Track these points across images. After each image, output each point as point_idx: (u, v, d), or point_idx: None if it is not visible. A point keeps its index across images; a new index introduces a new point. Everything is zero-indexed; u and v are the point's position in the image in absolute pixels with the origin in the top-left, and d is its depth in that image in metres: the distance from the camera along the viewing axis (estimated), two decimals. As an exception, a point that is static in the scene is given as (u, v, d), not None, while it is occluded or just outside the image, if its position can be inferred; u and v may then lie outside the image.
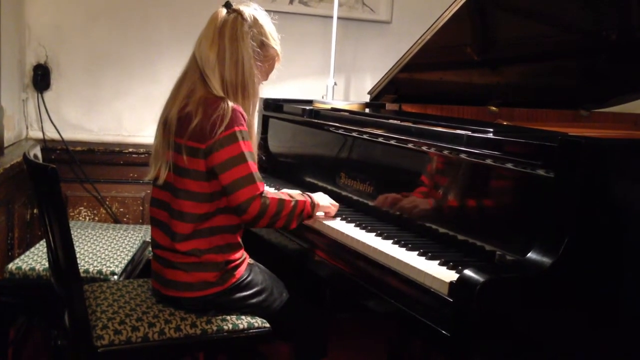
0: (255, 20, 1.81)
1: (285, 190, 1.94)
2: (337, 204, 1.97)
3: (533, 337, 1.35)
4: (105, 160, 3.09)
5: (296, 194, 1.89)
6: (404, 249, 1.64)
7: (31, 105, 3.03)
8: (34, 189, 1.88)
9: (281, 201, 1.78)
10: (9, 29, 2.72)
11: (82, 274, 2.10)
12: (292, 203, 1.81)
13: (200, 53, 1.79)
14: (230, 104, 1.73)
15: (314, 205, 1.88)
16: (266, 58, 1.85)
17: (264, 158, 2.59)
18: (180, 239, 1.75)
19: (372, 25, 3.46)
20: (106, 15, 3.08)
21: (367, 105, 2.64)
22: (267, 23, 1.85)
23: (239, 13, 1.79)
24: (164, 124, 1.81)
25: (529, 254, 1.37)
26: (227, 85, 1.77)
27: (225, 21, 1.78)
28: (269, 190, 1.83)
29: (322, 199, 1.93)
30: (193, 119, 1.72)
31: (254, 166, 1.74)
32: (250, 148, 1.75)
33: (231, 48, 1.77)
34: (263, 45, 1.83)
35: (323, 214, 1.94)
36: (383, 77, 2.53)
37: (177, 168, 1.77)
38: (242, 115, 1.75)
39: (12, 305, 2.22)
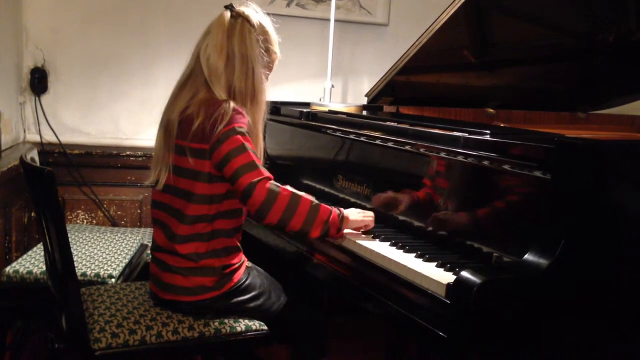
0: (261, 27, 1.81)
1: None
2: (369, 212, 1.84)
3: (530, 338, 1.35)
4: (102, 164, 3.09)
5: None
6: (402, 251, 1.65)
7: (28, 109, 3.03)
8: (31, 192, 1.87)
9: (296, 196, 1.68)
10: (6, 32, 2.72)
11: (79, 277, 2.10)
12: (313, 204, 1.69)
13: (207, 59, 1.76)
14: (232, 104, 1.72)
15: (342, 218, 1.74)
16: (270, 63, 1.86)
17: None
18: (179, 241, 1.75)
19: (369, 28, 3.46)
20: (103, 19, 3.08)
21: (364, 107, 2.64)
22: (272, 28, 1.86)
23: (245, 19, 1.78)
24: (165, 128, 1.81)
25: (526, 256, 1.37)
26: (234, 93, 1.76)
27: (233, 27, 1.77)
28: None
29: (352, 213, 1.80)
30: (195, 120, 1.72)
31: (256, 157, 1.70)
32: (252, 144, 1.72)
33: (241, 57, 1.76)
34: (268, 51, 1.83)
35: (359, 232, 1.81)
36: (380, 79, 2.53)
37: (178, 170, 1.76)
38: (243, 115, 1.74)
39: (10, 309, 2.21)
